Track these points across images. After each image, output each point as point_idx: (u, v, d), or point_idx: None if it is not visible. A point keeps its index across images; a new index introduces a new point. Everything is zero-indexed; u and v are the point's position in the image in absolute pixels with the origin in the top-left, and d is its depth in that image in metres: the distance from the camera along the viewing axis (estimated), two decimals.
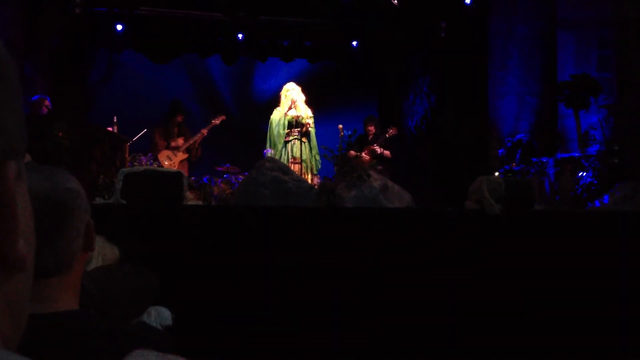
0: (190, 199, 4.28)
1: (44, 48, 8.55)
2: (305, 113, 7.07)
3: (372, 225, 3.66)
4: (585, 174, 6.77)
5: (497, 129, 8.49)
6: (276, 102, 7.38)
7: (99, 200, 4.14)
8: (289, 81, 7.59)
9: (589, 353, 3.63)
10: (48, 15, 8.48)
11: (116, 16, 9.65)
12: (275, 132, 7.02)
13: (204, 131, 7.83)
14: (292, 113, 7.07)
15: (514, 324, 3.64)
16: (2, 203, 0.47)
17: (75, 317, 1.03)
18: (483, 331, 3.61)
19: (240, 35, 10.12)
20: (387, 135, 7.95)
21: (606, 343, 3.66)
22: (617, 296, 3.71)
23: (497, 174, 7.10)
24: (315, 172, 7.15)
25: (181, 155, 7.72)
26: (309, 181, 6.44)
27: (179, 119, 7.89)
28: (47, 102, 6.67)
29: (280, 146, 7.01)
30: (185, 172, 7.35)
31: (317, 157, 7.12)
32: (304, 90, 7.25)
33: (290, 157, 7.00)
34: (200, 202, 6.00)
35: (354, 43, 10.69)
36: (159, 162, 7.51)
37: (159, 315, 2.03)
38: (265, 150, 7.97)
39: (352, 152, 7.90)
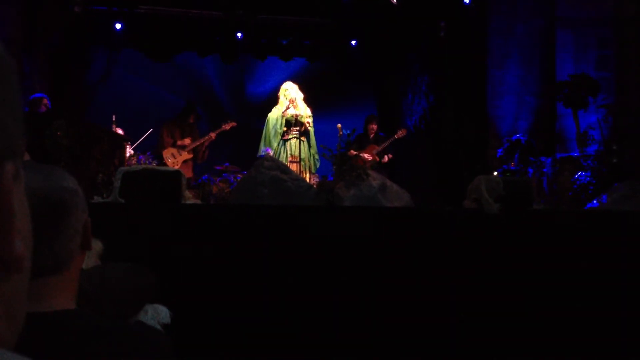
0: (189, 197, 4.27)
1: (43, 46, 8.54)
2: (304, 112, 7.07)
3: (370, 224, 3.66)
4: (583, 173, 6.77)
5: (496, 128, 8.50)
6: (274, 101, 7.37)
7: (97, 199, 4.14)
8: (287, 80, 7.58)
9: (588, 353, 3.63)
10: (47, 14, 8.48)
11: (115, 15, 9.65)
12: (272, 130, 7.01)
13: (213, 135, 7.84)
14: (291, 112, 7.07)
15: (512, 324, 3.64)
16: None
17: (73, 317, 1.03)
18: (482, 330, 3.61)
19: (239, 34, 10.12)
20: (395, 137, 8.01)
21: (606, 343, 3.66)
22: (616, 296, 3.71)
23: (495, 173, 7.10)
24: (313, 171, 7.15)
25: (185, 155, 7.72)
26: (307, 180, 6.44)
27: (191, 120, 7.92)
28: (45, 101, 6.66)
29: (275, 144, 7.00)
30: (189, 173, 7.38)
31: (316, 156, 7.12)
32: (302, 89, 7.24)
33: (288, 155, 6.99)
34: (199, 201, 6.00)
35: (353, 42, 10.69)
36: (161, 159, 7.52)
37: (157, 314, 2.02)
38: (265, 149, 7.96)
39: (352, 152, 7.94)
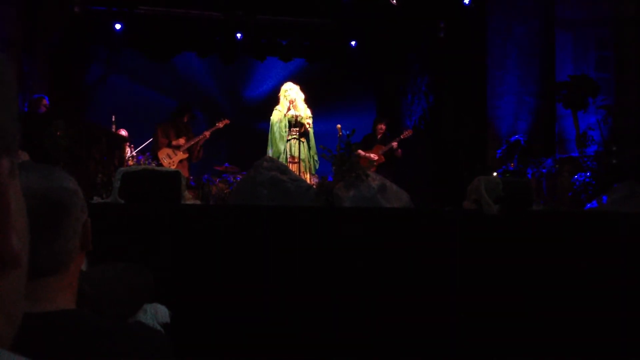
0: (189, 198, 4.27)
1: (43, 46, 8.54)
2: (304, 113, 7.06)
3: (370, 225, 3.66)
4: (583, 174, 6.77)
5: (496, 128, 8.50)
6: (274, 101, 7.36)
7: (97, 199, 4.14)
8: (286, 80, 7.57)
9: (588, 353, 3.63)
10: (47, 14, 8.48)
11: (115, 15, 9.65)
12: (277, 134, 7.00)
13: (207, 133, 7.84)
14: (291, 112, 7.06)
15: (512, 324, 3.64)
16: None
17: (73, 317, 1.03)
18: (482, 330, 3.61)
19: (239, 35, 10.12)
20: (402, 137, 8.11)
21: (606, 343, 3.66)
22: (616, 296, 3.71)
23: (495, 174, 7.10)
24: (313, 172, 7.14)
25: (181, 155, 7.72)
26: (307, 181, 6.43)
27: (185, 119, 7.91)
28: (45, 101, 6.67)
29: (282, 147, 6.98)
30: (185, 172, 7.37)
31: (316, 157, 7.11)
32: (302, 90, 7.24)
33: (288, 156, 6.98)
34: (198, 202, 6.00)
35: (353, 43, 10.69)
36: (158, 160, 7.51)
37: (157, 313, 2.02)
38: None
39: (361, 152, 8.00)
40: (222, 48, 10.35)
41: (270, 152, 7.05)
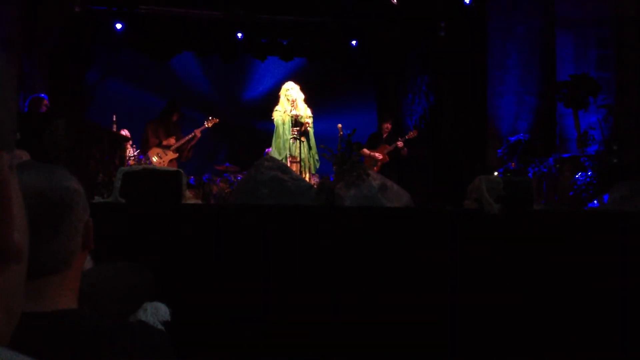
0: (189, 198, 4.28)
1: (43, 46, 8.54)
2: (304, 112, 7.06)
3: (370, 224, 3.66)
4: (584, 174, 6.77)
5: (496, 128, 8.50)
6: (274, 101, 7.35)
7: (98, 199, 4.14)
8: (287, 80, 7.56)
9: (588, 353, 3.63)
10: (47, 14, 8.47)
11: (115, 14, 9.65)
12: (282, 137, 6.98)
13: (198, 133, 7.81)
14: (292, 112, 7.06)
15: (512, 324, 3.64)
16: None
17: (75, 316, 1.03)
18: (482, 330, 3.61)
19: (239, 34, 10.12)
20: (406, 137, 8.16)
21: (606, 343, 3.66)
22: (616, 296, 3.71)
23: (496, 173, 7.10)
24: (313, 171, 7.14)
25: (171, 155, 7.70)
26: (307, 181, 6.43)
27: (174, 118, 7.87)
28: (46, 102, 6.67)
29: (286, 149, 6.95)
30: None
31: (316, 157, 7.11)
32: (302, 89, 7.23)
33: (288, 155, 6.98)
34: (199, 201, 6.00)
35: (353, 42, 10.69)
36: (149, 159, 7.50)
37: (156, 311, 2.02)
38: (267, 150, 7.95)
39: (366, 150, 8.03)
40: (223, 48, 10.35)
41: (271, 152, 7.06)
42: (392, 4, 8.92)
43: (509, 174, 7.39)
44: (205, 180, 7.77)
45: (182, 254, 3.42)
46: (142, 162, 7.33)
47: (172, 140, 7.70)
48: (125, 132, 7.69)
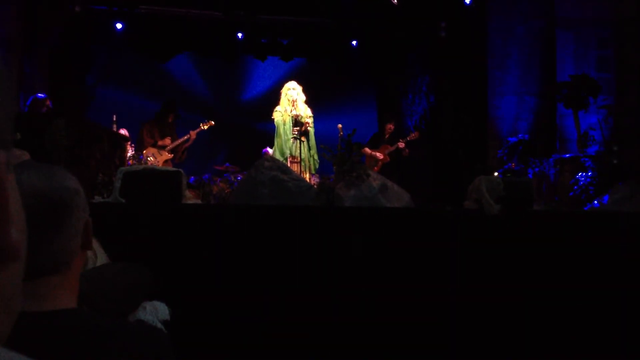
0: (189, 197, 4.27)
1: (43, 46, 8.54)
2: (304, 112, 7.06)
3: (370, 224, 3.66)
4: (584, 174, 6.77)
5: (496, 128, 8.50)
6: (274, 101, 7.35)
7: (98, 199, 4.14)
8: (286, 79, 7.56)
9: (589, 353, 3.63)
10: (47, 13, 8.47)
11: (116, 15, 9.65)
12: (283, 137, 6.98)
13: (193, 134, 7.83)
14: (292, 112, 7.06)
15: (513, 324, 3.64)
16: None
17: (74, 316, 1.03)
18: (482, 330, 3.61)
19: (239, 34, 10.12)
20: (408, 139, 8.18)
21: (606, 343, 3.66)
22: (616, 296, 3.71)
23: (496, 173, 7.10)
24: (313, 171, 7.14)
25: (166, 155, 7.70)
26: (307, 181, 6.42)
27: (170, 119, 7.88)
28: (48, 102, 6.67)
29: (287, 150, 6.95)
30: None
31: (316, 157, 7.11)
32: (304, 90, 7.23)
33: (288, 156, 6.98)
34: (199, 201, 6.00)
35: (354, 42, 10.69)
36: (143, 159, 7.51)
37: (156, 311, 2.02)
38: (264, 149, 7.95)
39: (367, 150, 8.04)
40: (223, 48, 10.35)
41: (273, 152, 7.06)
42: (392, 4, 8.92)
43: (509, 175, 7.39)
44: (205, 180, 7.77)
45: (182, 254, 3.42)
46: (142, 162, 7.33)
47: (167, 141, 7.70)
48: (124, 132, 7.69)
